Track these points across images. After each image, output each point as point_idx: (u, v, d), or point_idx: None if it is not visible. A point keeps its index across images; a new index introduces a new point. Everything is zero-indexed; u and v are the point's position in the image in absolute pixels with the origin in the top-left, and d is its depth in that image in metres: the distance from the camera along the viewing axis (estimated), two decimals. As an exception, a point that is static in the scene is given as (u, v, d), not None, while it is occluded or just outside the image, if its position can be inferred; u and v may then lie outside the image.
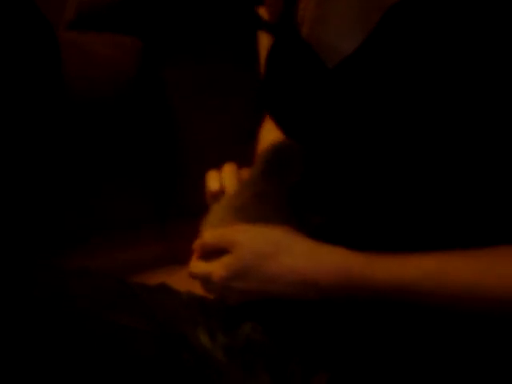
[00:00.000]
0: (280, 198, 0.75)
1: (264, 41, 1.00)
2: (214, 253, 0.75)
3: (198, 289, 0.84)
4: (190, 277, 0.78)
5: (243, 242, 0.72)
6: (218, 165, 0.85)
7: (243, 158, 0.88)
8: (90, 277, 0.80)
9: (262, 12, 0.86)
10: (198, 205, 0.84)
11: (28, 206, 1.54)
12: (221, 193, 0.82)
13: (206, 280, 0.76)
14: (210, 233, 0.77)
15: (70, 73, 1.49)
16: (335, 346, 0.72)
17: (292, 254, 0.70)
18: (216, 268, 0.73)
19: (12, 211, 1.47)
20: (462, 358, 0.69)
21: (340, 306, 0.70)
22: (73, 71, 1.51)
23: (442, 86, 0.62)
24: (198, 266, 0.77)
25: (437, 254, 0.66)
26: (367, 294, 0.67)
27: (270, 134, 0.96)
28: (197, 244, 0.79)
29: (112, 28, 1.61)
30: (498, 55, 0.61)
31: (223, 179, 0.82)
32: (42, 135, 1.47)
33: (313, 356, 0.72)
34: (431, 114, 0.63)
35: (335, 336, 0.72)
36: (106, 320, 0.72)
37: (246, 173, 0.84)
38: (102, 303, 0.74)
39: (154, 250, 1.80)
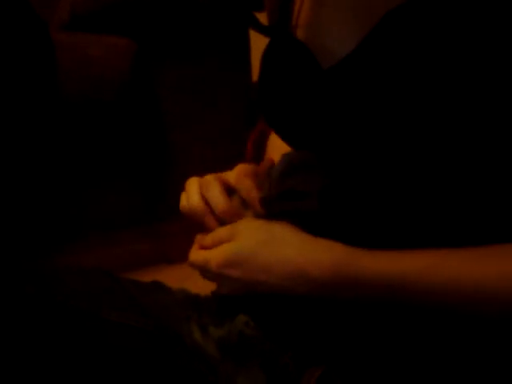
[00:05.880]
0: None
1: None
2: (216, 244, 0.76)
3: (188, 287, 0.86)
4: (189, 266, 0.79)
5: (243, 232, 0.73)
6: (206, 165, 0.84)
7: (231, 159, 0.88)
8: (81, 273, 0.81)
9: (262, 17, 0.87)
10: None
11: (16, 207, 1.55)
12: (206, 211, 0.78)
13: (203, 268, 0.77)
14: (221, 229, 0.77)
15: (63, 73, 1.50)
16: (329, 339, 0.72)
17: (285, 244, 0.71)
18: (214, 255, 0.74)
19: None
20: (458, 356, 0.68)
21: (334, 300, 0.70)
22: (66, 72, 1.52)
23: (437, 87, 0.62)
24: (197, 253, 0.78)
25: (432, 250, 0.65)
26: (357, 290, 0.67)
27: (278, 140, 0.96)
28: (202, 236, 0.79)
29: (106, 29, 1.62)
30: (497, 59, 0.61)
31: (210, 192, 0.78)
32: (35, 135, 1.47)
33: (306, 350, 0.72)
34: (428, 114, 0.63)
35: (329, 330, 0.72)
36: (97, 316, 0.72)
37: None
38: (93, 299, 0.74)
39: (143, 249, 1.81)
